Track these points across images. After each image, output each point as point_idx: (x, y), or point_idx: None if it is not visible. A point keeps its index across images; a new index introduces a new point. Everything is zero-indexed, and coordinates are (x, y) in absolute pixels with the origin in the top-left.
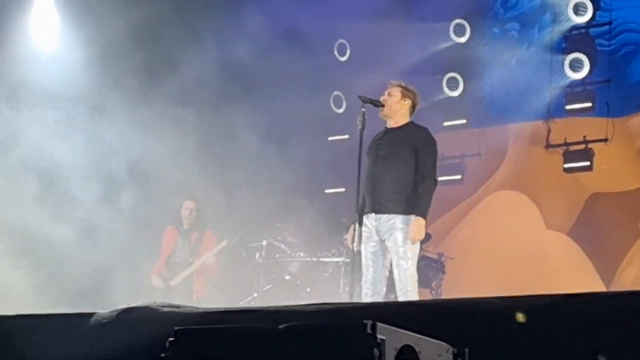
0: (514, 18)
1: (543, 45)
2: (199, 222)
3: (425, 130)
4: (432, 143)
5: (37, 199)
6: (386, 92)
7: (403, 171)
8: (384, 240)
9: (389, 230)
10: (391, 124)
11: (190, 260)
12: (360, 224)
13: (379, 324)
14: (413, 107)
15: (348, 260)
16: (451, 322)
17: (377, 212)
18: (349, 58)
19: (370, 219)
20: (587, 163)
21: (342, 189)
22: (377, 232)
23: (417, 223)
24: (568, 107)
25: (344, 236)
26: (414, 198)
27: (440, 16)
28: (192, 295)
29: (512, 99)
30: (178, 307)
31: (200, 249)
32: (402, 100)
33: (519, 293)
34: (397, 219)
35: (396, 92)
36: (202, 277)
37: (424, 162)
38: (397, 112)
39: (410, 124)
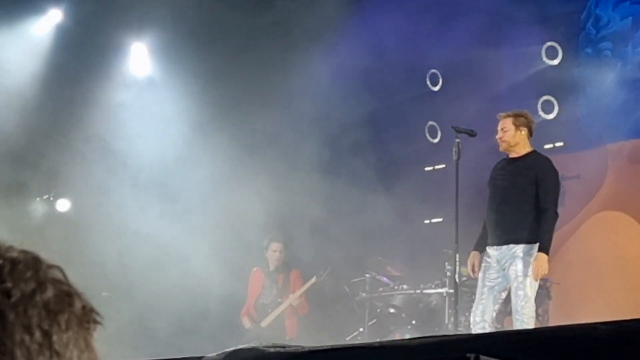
0: (607, 37)
1: (638, 62)
2: (285, 263)
3: (547, 160)
4: (553, 174)
5: None
6: (499, 127)
7: (525, 203)
8: (505, 269)
9: (510, 259)
10: (512, 154)
11: (279, 300)
12: (478, 248)
13: (482, 357)
14: (530, 131)
15: (452, 290)
16: (558, 350)
17: (498, 243)
18: (441, 87)
19: (491, 250)
20: None
21: (440, 219)
22: (498, 262)
23: (541, 259)
24: None
25: (447, 266)
26: (535, 228)
27: (532, 40)
28: (284, 335)
29: (609, 119)
30: (284, 347)
31: (288, 289)
32: (518, 132)
33: (630, 316)
34: (518, 248)
35: (509, 125)
36: (293, 316)
37: (545, 194)
38: (517, 144)
39: (532, 154)
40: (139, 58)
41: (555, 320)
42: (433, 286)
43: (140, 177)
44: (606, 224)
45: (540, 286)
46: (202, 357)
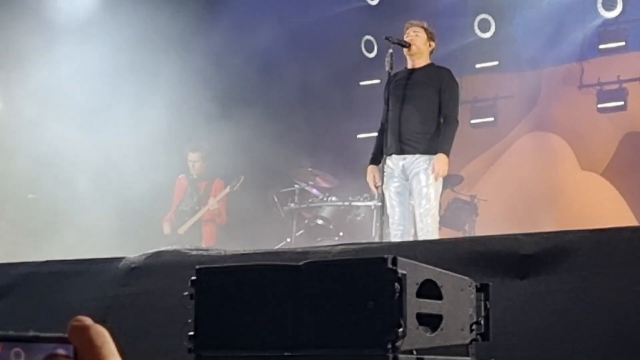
0: None
1: None
2: (207, 172)
3: (448, 71)
4: (454, 84)
5: None
6: (411, 31)
7: (429, 112)
8: (408, 180)
9: (413, 170)
10: (415, 63)
11: (197, 208)
12: (375, 162)
13: (400, 259)
14: (433, 49)
15: (380, 203)
16: (478, 259)
17: (402, 152)
18: (379, 1)
19: (393, 159)
20: (621, 102)
21: (375, 134)
22: (403, 171)
23: (441, 159)
24: (601, 46)
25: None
26: (437, 138)
27: None
28: (201, 243)
29: (545, 40)
30: (207, 250)
31: (208, 197)
32: (428, 42)
33: None
34: (422, 159)
35: (422, 33)
36: (211, 225)
37: (447, 103)
38: (423, 52)
39: (432, 65)
40: None
41: None
42: (361, 199)
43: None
44: (537, 144)
45: (467, 202)
46: (123, 258)
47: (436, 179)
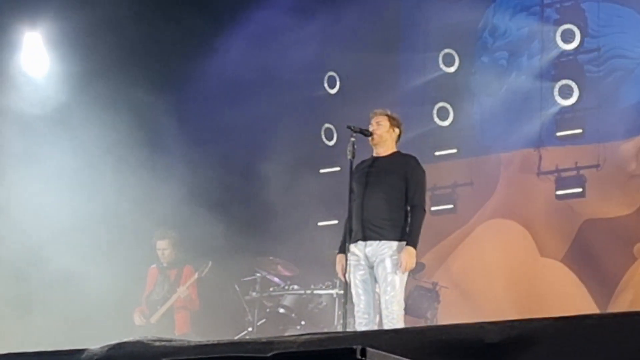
0: (503, 47)
1: (532, 73)
2: (177, 259)
3: (414, 159)
4: (421, 173)
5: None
6: (373, 121)
7: (394, 199)
8: (373, 267)
9: (379, 257)
10: (379, 152)
11: (168, 296)
12: (343, 251)
13: (369, 349)
14: (399, 136)
15: (342, 292)
16: (443, 348)
17: (367, 238)
18: (339, 90)
19: (359, 246)
20: (580, 189)
21: (335, 221)
22: (367, 259)
23: (409, 252)
24: (559, 133)
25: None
26: (404, 226)
27: (429, 46)
28: (174, 331)
29: (503, 127)
30: (170, 340)
31: (178, 285)
32: (391, 129)
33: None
34: (387, 246)
35: (384, 121)
36: (183, 312)
37: (413, 191)
38: (386, 140)
39: (398, 153)
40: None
41: (443, 323)
42: (323, 287)
43: None
44: (497, 231)
45: (429, 290)
46: (85, 350)
47: (403, 272)
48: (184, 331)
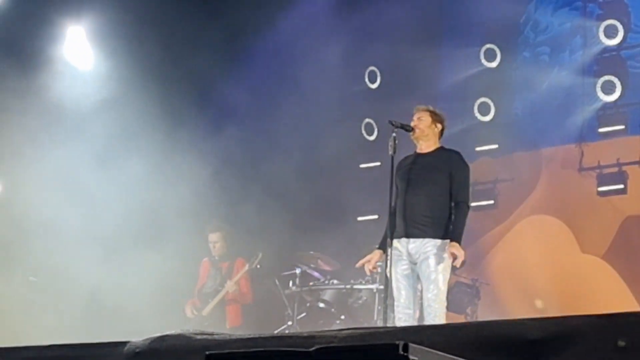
0: (545, 42)
1: (574, 69)
2: (229, 252)
3: (457, 154)
4: (465, 168)
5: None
6: (415, 117)
7: (437, 196)
8: (416, 264)
9: (422, 254)
10: (422, 148)
11: (220, 289)
12: (383, 247)
13: (411, 345)
14: (442, 132)
15: (382, 287)
16: (485, 344)
17: (410, 236)
18: (379, 85)
19: (402, 243)
20: (621, 186)
21: (375, 216)
22: (409, 255)
23: (457, 247)
24: (601, 129)
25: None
26: (448, 223)
27: (471, 41)
28: (225, 324)
29: (544, 123)
30: (211, 334)
31: (230, 277)
32: (433, 125)
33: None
34: (431, 244)
35: (426, 117)
36: (234, 305)
37: (457, 188)
38: (428, 136)
39: (441, 149)
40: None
41: (483, 320)
42: (363, 282)
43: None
44: (537, 228)
45: (469, 286)
46: (127, 342)
47: (459, 265)
48: (235, 324)
